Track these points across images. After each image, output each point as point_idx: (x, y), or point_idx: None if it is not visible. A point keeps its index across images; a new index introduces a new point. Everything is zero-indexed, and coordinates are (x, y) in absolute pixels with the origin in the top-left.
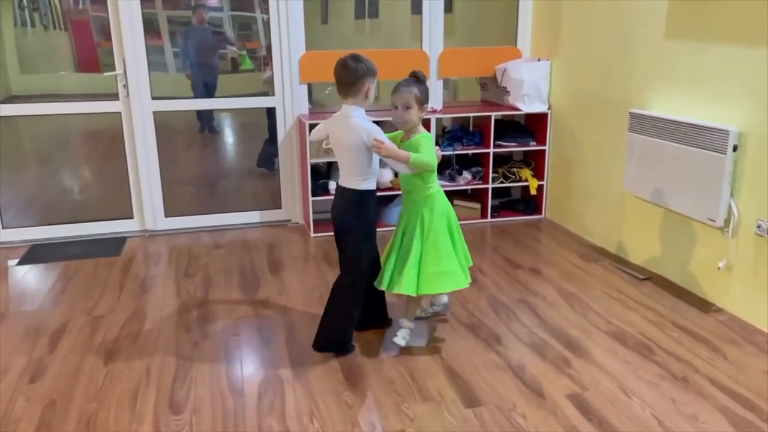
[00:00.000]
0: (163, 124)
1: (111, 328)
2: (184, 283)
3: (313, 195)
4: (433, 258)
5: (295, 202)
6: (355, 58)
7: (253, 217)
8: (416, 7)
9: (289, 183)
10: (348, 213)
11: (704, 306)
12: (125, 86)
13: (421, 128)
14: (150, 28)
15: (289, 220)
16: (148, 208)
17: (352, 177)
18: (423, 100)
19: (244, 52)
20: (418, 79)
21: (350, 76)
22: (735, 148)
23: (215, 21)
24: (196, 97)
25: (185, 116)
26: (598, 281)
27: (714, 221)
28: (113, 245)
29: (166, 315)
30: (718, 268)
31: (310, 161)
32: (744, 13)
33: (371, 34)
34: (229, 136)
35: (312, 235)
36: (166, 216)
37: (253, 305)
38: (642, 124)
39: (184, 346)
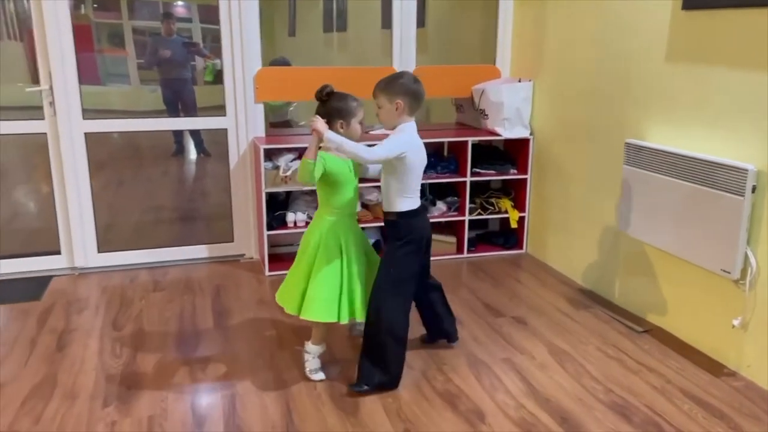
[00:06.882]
0: (131, 143)
1: (7, 407)
2: (109, 338)
3: (269, 228)
4: None
5: (249, 235)
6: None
7: (200, 251)
8: (386, 22)
9: (243, 214)
10: None
11: (715, 368)
12: (51, 104)
13: None
14: (115, 38)
15: (243, 255)
16: (78, 243)
17: None
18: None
19: (211, 64)
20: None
21: None
22: (753, 189)
23: (185, 32)
24: (169, 112)
25: (161, 135)
26: (592, 334)
27: (729, 273)
28: (35, 287)
29: (81, 383)
30: (733, 326)
31: (265, 190)
32: (756, 35)
33: (339, 49)
34: (187, 160)
35: (267, 273)
36: (99, 251)
37: (190, 370)
38: (640, 156)
39: (98, 427)
